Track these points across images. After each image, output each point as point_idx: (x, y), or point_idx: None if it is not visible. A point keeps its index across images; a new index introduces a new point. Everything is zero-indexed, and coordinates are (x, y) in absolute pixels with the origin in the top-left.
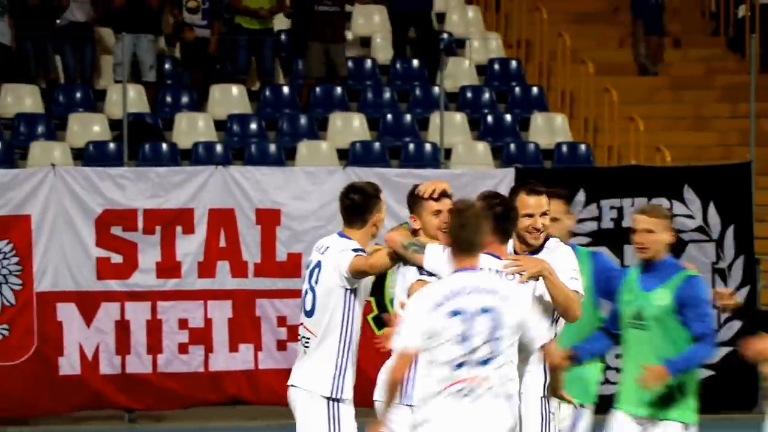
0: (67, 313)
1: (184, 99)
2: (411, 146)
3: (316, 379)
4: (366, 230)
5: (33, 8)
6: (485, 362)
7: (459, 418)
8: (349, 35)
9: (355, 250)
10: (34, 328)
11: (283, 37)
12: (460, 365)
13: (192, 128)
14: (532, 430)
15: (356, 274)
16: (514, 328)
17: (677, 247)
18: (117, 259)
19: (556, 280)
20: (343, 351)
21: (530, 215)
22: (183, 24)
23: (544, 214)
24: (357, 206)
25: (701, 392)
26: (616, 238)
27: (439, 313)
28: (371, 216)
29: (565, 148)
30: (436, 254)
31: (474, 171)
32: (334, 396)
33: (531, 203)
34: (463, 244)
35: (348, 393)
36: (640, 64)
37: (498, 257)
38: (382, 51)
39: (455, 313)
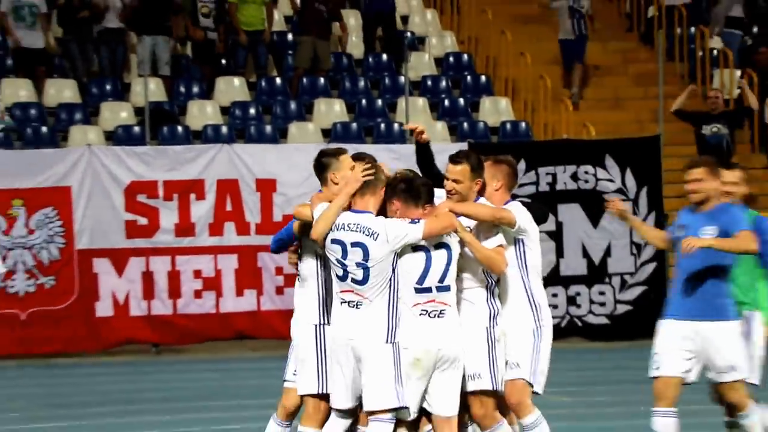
0: (102, 267)
1: (195, 89)
2: (382, 126)
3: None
4: (329, 187)
5: (78, 17)
6: (360, 282)
7: (347, 322)
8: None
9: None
10: (75, 278)
11: (275, 37)
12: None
13: (202, 113)
14: (479, 356)
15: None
16: (381, 258)
17: (600, 205)
18: (142, 221)
19: (466, 236)
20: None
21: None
22: (194, 27)
23: (455, 180)
24: (318, 167)
25: (622, 325)
26: (551, 199)
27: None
28: (329, 172)
29: (508, 126)
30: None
31: (434, 146)
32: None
33: (447, 169)
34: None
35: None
36: (571, 94)
37: (414, 220)
38: (356, 47)
39: (334, 241)
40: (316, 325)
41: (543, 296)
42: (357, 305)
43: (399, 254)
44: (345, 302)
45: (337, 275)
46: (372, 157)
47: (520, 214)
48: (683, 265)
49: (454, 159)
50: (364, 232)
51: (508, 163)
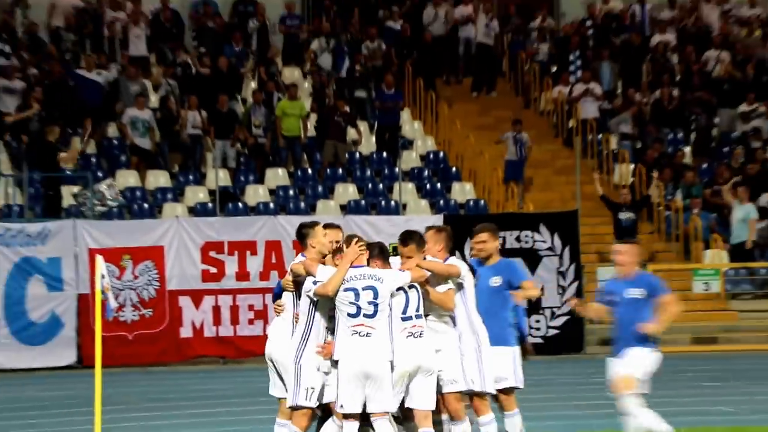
0: (185, 302)
1: (251, 177)
2: (383, 203)
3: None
4: (309, 251)
5: (174, 128)
6: (371, 316)
7: (358, 349)
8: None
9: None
10: (166, 310)
11: (307, 140)
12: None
13: (255, 194)
14: (454, 366)
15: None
16: (385, 296)
17: (535, 259)
18: (213, 270)
19: (431, 289)
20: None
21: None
22: (250, 134)
23: (407, 256)
24: (299, 236)
25: (552, 344)
26: (501, 255)
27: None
28: (309, 240)
29: (471, 203)
30: (323, 271)
31: (419, 217)
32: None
33: (399, 249)
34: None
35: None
36: (520, 206)
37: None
38: (365, 148)
39: (347, 290)
40: (299, 349)
41: (481, 324)
42: (367, 335)
43: (397, 290)
44: (356, 333)
45: (349, 314)
46: (359, 236)
47: (461, 266)
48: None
49: (403, 241)
50: (372, 279)
51: (447, 231)
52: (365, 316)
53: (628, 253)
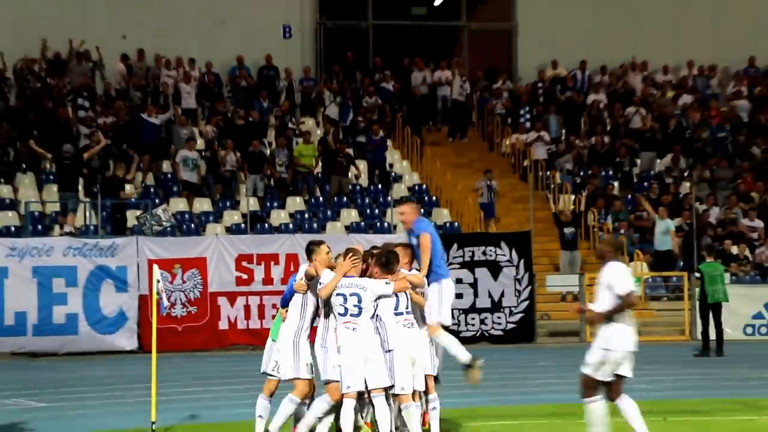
0: (222, 302)
1: (275, 204)
2: (378, 224)
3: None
4: (314, 264)
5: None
6: (356, 315)
7: (350, 340)
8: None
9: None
10: (207, 308)
11: (320, 175)
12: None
13: (278, 217)
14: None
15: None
16: (368, 302)
17: (497, 269)
18: (244, 276)
19: (412, 293)
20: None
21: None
22: (274, 170)
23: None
24: (308, 251)
25: (511, 336)
26: (471, 265)
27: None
28: (313, 256)
29: (448, 225)
30: (328, 275)
31: (402, 235)
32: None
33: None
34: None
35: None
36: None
37: (387, 281)
38: (363, 181)
39: (338, 294)
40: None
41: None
42: (354, 329)
43: (381, 297)
44: (347, 328)
45: (339, 313)
46: (357, 250)
47: (423, 278)
48: None
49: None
50: (357, 287)
51: (411, 247)
52: (351, 315)
53: (407, 211)
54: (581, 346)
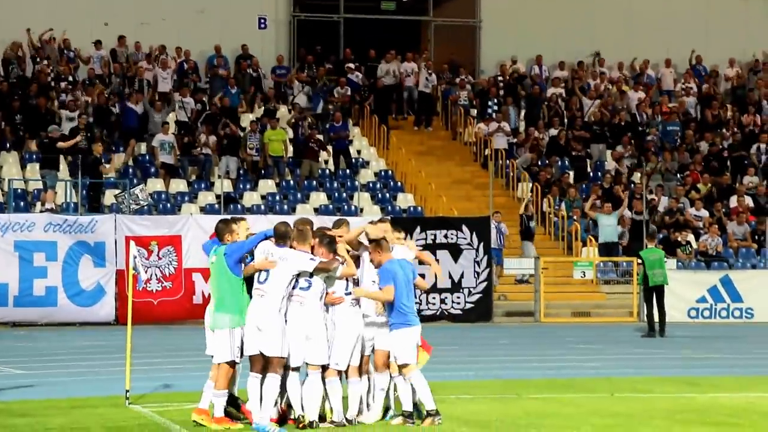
0: (197, 277)
1: (248, 186)
2: (346, 207)
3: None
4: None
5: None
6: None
7: (296, 315)
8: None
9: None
10: (182, 283)
11: (290, 160)
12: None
13: (251, 199)
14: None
15: None
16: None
17: (458, 251)
18: None
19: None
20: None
21: None
22: (247, 153)
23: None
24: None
25: (469, 314)
26: (433, 248)
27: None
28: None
29: (412, 209)
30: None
31: (370, 217)
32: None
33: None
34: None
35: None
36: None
37: (313, 257)
38: (330, 165)
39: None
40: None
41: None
42: (301, 303)
43: (331, 278)
44: (295, 302)
45: (292, 287)
46: (322, 232)
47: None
48: None
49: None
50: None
51: (390, 221)
52: (301, 288)
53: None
54: (536, 325)
